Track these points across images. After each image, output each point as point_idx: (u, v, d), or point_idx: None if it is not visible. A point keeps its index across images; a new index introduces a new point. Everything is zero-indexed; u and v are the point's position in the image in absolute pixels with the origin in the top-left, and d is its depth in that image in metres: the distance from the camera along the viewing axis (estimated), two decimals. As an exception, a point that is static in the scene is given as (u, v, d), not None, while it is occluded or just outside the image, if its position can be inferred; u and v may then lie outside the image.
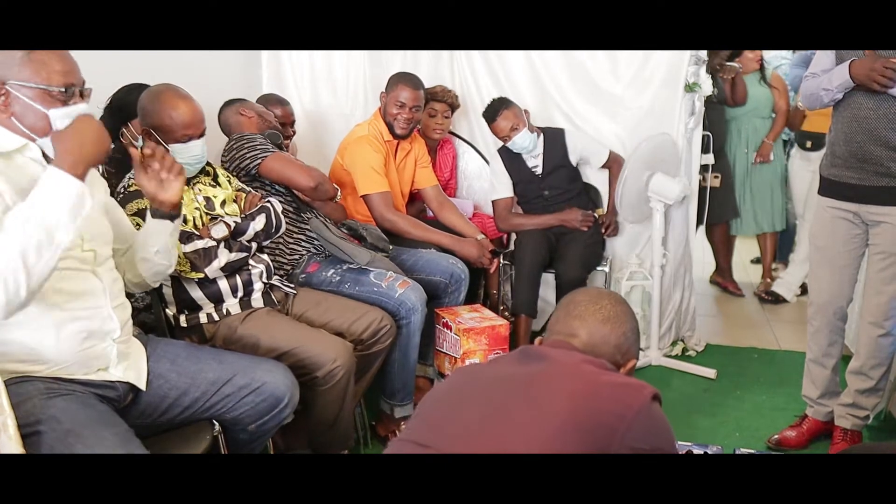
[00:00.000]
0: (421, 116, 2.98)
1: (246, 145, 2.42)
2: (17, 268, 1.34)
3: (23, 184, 1.45)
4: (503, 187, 3.26)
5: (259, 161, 2.40)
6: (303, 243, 2.57)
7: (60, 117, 1.49)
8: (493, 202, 3.29)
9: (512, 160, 3.22)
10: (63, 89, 1.49)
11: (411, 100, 2.89)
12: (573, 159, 3.21)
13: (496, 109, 3.10)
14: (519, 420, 1.17)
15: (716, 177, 3.83)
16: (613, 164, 3.22)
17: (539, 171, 3.21)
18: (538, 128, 3.19)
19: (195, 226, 2.08)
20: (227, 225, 2.10)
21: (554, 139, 3.20)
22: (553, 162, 3.20)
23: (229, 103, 2.66)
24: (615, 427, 1.15)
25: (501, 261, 3.20)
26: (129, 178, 2.09)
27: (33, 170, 1.50)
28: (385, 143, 2.94)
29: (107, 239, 1.70)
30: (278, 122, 2.84)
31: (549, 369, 1.25)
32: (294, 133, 2.98)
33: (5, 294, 1.33)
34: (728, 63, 3.80)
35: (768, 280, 4.31)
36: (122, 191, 2.06)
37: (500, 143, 3.24)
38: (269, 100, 2.92)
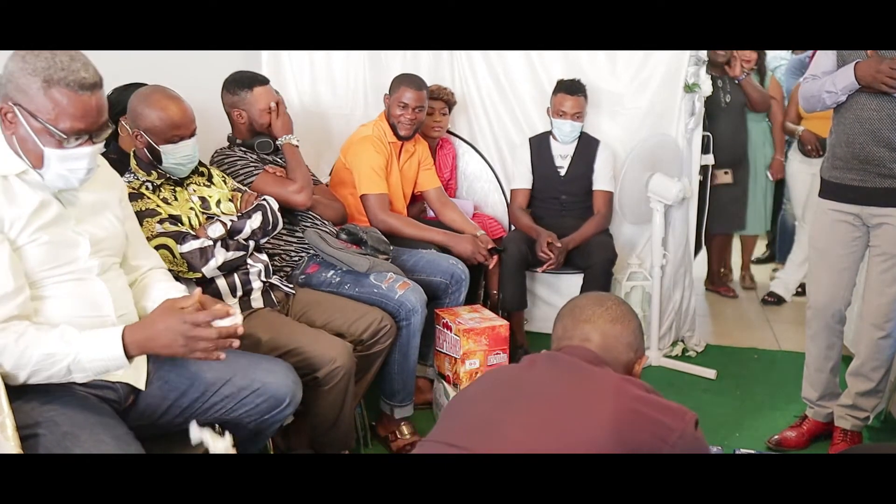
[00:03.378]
0: (424, 117, 2.98)
1: (228, 171, 2.44)
2: (29, 364, 1.41)
3: (21, 207, 1.47)
4: (521, 177, 3.28)
5: (248, 185, 2.43)
6: (302, 251, 2.57)
7: (55, 158, 1.46)
8: (510, 191, 3.34)
9: (540, 152, 3.24)
10: (65, 135, 1.45)
11: (414, 100, 2.90)
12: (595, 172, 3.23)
13: (577, 89, 3.12)
14: (563, 434, 1.17)
15: (726, 173, 3.83)
16: (602, 207, 3.21)
17: (563, 172, 3.23)
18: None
19: (191, 226, 2.08)
20: (224, 224, 2.10)
21: (588, 146, 3.22)
22: (578, 169, 3.22)
23: (236, 87, 2.53)
24: (659, 449, 1.16)
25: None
26: (126, 181, 2.09)
27: (30, 194, 1.50)
28: (389, 144, 2.94)
29: (116, 248, 1.70)
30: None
31: (592, 385, 1.24)
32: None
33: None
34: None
35: (743, 273, 4.46)
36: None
37: (529, 133, 3.31)
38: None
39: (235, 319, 1.54)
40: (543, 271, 3.10)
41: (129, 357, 1.46)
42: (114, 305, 1.61)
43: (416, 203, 3.23)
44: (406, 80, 2.94)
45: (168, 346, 1.48)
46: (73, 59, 1.44)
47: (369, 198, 2.85)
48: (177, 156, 2.06)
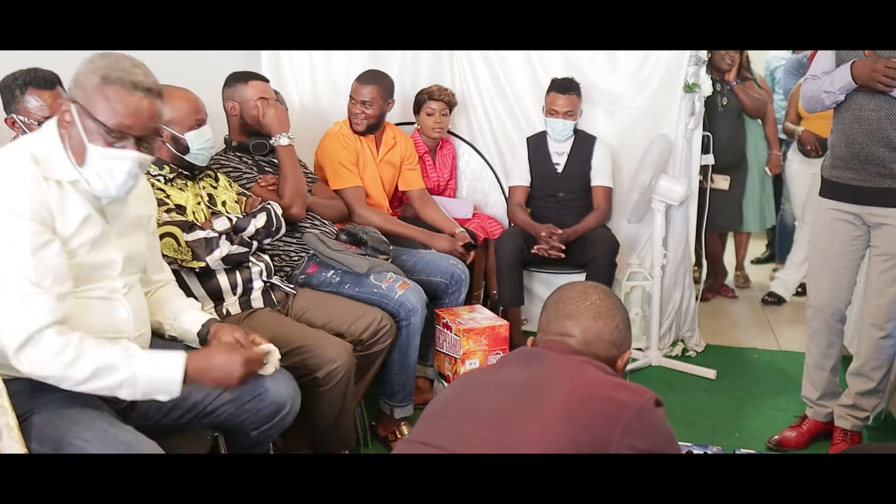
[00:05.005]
0: (378, 113, 2.96)
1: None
2: (87, 369, 1.42)
3: (70, 217, 1.48)
4: (518, 175, 3.28)
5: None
6: (302, 251, 2.57)
7: (98, 155, 1.47)
8: (508, 188, 3.34)
9: (537, 151, 3.24)
10: (109, 130, 1.46)
11: (360, 94, 2.91)
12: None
13: (569, 87, 3.11)
14: (518, 424, 1.17)
15: (725, 178, 3.83)
16: (602, 202, 3.20)
17: (560, 168, 3.23)
18: (575, 128, 3.20)
19: (196, 219, 2.10)
20: (229, 219, 2.13)
21: (584, 143, 3.22)
22: (575, 166, 3.22)
23: (234, 80, 2.56)
24: (612, 428, 1.14)
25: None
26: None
27: (79, 205, 1.50)
28: (359, 139, 2.97)
29: (141, 265, 1.71)
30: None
31: (549, 369, 1.25)
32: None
33: (48, 364, 1.41)
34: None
35: (737, 273, 4.48)
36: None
37: (529, 132, 3.30)
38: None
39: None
40: (543, 260, 3.10)
41: (183, 383, 1.50)
42: (133, 325, 1.61)
43: (409, 205, 3.24)
44: (358, 76, 2.98)
45: (223, 378, 1.57)
46: (135, 65, 1.48)
47: (344, 192, 2.87)
48: (201, 140, 2.11)
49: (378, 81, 2.95)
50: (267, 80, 2.61)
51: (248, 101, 2.52)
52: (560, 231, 3.04)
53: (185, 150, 2.09)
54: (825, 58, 2.30)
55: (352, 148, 2.93)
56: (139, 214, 1.69)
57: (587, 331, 1.34)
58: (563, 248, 3.02)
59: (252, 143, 2.54)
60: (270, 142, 2.53)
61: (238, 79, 2.56)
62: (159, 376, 1.48)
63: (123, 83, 1.45)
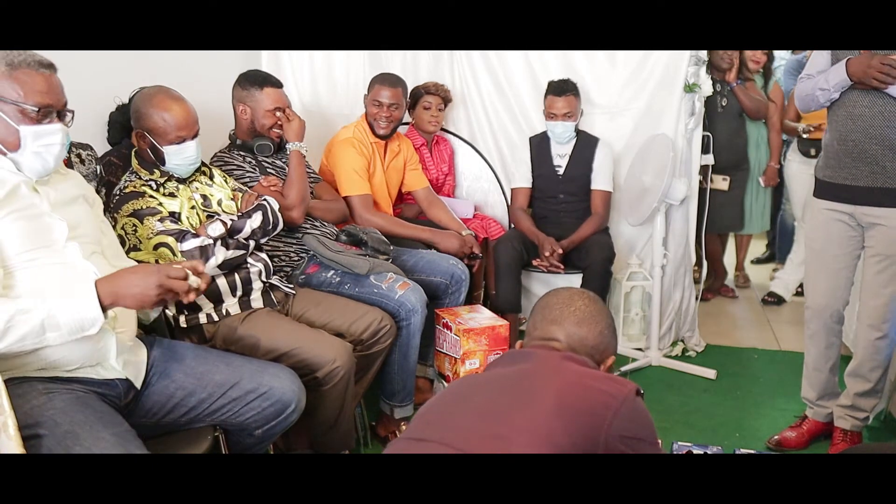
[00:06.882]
0: (401, 115, 2.98)
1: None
2: (1, 320, 1.40)
3: None
4: (521, 176, 3.28)
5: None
6: (302, 252, 2.57)
7: (31, 135, 1.54)
8: (511, 190, 3.35)
9: (540, 151, 3.24)
10: (37, 109, 1.53)
11: (389, 98, 2.91)
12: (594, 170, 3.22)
13: (566, 88, 3.10)
14: (511, 415, 1.22)
15: (724, 179, 3.84)
16: (600, 207, 3.20)
17: (561, 171, 3.22)
18: (577, 129, 3.20)
19: (191, 224, 2.08)
20: (224, 223, 2.10)
21: (586, 145, 3.21)
22: (576, 168, 3.21)
23: (248, 83, 2.53)
24: (603, 416, 1.20)
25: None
26: (125, 181, 2.09)
27: (5, 180, 1.54)
28: (371, 144, 2.96)
29: (93, 237, 1.70)
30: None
31: (535, 367, 1.31)
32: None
33: None
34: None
35: (737, 273, 4.50)
36: (118, 193, 2.08)
37: (528, 132, 3.30)
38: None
39: (200, 280, 1.60)
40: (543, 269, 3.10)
41: (104, 309, 1.47)
42: None
43: (413, 205, 3.24)
44: (380, 79, 2.96)
45: (141, 296, 1.49)
46: (27, 50, 1.55)
47: (353, 199, 2.87)
48: (180, 157, 2.06)
49: (401, 84, 2.97)
50: (281, 86, 2.60)
51: (260, 109, 2.52)
52: (560, 250, 3.03)
53: (162, 160, 2.06)
54: (820, 57, 2.31)
55: (367, 155, 2.93)
56: (73, 194, 1.70)
57: (571, 336, 1.40)
58: (562, 266, 3.03)
59: (256, 143, 2.54)
60: (287, 146, 2.53)
61: (253, 82, 2.54)
62: (76, 306, 1.46)
63: (30, 65, 1.54)
